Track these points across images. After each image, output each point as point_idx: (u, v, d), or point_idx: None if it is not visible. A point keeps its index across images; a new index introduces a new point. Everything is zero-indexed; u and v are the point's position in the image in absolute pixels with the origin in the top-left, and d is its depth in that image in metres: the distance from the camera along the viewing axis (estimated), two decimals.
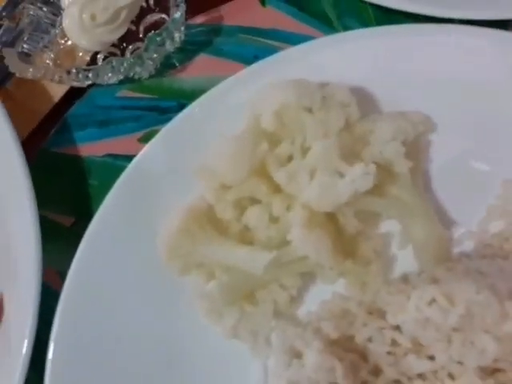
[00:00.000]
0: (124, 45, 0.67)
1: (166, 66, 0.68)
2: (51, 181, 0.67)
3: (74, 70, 0.62)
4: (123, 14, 0.64)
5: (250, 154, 0.53)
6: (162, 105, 0.67)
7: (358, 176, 0.50)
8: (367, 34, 0.58)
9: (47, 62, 0.67)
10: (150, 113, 0.67)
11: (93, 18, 0.63)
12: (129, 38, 0.67)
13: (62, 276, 0.59)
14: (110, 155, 0.67)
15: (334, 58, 0.58)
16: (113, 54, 0.67)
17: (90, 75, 0.63)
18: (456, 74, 0.58)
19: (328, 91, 0.55)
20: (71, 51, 0.68)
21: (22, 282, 0.60)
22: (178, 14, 0.65)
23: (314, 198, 0.51)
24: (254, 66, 0.59)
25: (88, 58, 0.67)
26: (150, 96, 0.68)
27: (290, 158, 0.55)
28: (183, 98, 0.66)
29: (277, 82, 0.56)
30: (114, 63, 0.63)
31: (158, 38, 0.64)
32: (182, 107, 0.64)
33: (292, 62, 0.59)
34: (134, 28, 0.68)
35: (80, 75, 0.63)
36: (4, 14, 0.65)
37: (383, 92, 0.59)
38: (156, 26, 0.68)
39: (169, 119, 0.64)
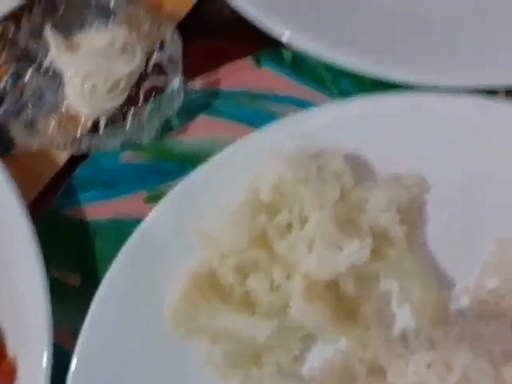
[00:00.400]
0: (125, 109, 0.69)
1: (167, 128, 0.70)
2: (59, 242, 0.69)
3: (77, 139, 0.65)
4: (123, 83, 0.66)
5: (249, 225, 0.56)
6: (164, 166, 0.69)
7: (355, 251, 0.52)
8: (360, 102, 0.61)
9: (51, 127, 0.69)
10: (153, 174, 0.69)
11: (94, 88, 0.65)
12: (129, 102, 0.69)
13: (74, 334, 0.61)
14: (116, 216, 0.69)
15: (329, 126, 0.61)
16: (115, 118, 0.69)
17: (93, 143, 0.66)
18: (446, 138, 0.60)
19: (323, 161, 0.57)
20: (74, 115, 0.70)
21: (34, 345, 0.62)
22: (176, 81, 0.67)
23: (312, 269, 0.53)
24: (252, 136, 0.61)
25: (91, 122, 0.69)
26: (153, 158, 0.70)
27: (289, 226, 0.57)
28: (184, 160, 0.68)
29: (273, 153, 0.58)
30: (116, 130, 0.65)
31: (158, 105, 0.67)
32: (183, 168, 0.67)
33: (287, 131, 0.61)
34: (133, 92, 0.70)
35: (83, 144, 0.65)
36: (7, 87, 0.67)
37: (377, 156, 0.61)
38: (156, 88, 0.70)
39: (172, 180, 0.67)
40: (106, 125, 0.68)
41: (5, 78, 0.67)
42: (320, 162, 0.57)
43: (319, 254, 0.53)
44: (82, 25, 0.69)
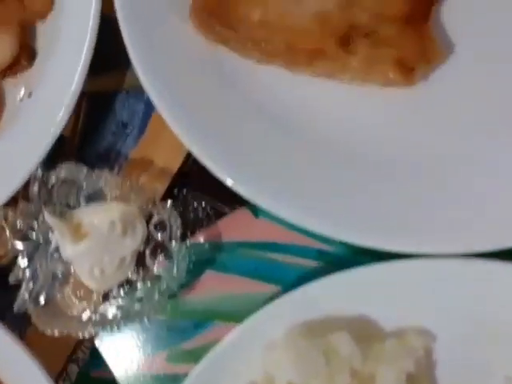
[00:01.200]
0: (134, 276, 0.71)
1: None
2: None
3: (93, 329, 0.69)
4: (128, 258, 0.69)
5: None
6: (179, 324, 0.72)
7: None
8: (360, 272, 0.63)
9: (67, 298, 0.72)
10: (171, 333, 0.73)
11: (102, 272, 0.68)
12: (137, 264, 0.71)
13: None
14: (142, 376, 0.73)
15: (334, 298, 0.63)
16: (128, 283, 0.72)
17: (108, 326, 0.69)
18: (448, 296, 0.63)
19: (331, 344, 0.60)
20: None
21: None
22: (179, 247, 0.69)
23: None
24: (259, 314, 0.63)
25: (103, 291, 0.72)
26: (167, 318, 0.73)
27: None
28: (197, 317, 0.72)
29: (281, 335, 0.62)
30: (131, 311, 0.69)
31: (166, 272, 0.69)
32: (197, 326, 0.72)
33: (293, 306, 0.63)
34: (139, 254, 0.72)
35: (102, 327, 0.69)
36: (21, 275, 0.70)
37: (382, 315, 0.64)
38: (160, 245, 0.72)
39: (189, 337, 0.72)
40: (118, 292, 0.72)
41: (18, 266, 0.70)
42: (328, 345, 0.60)
43: None
44: (77, 201, 0.71)
